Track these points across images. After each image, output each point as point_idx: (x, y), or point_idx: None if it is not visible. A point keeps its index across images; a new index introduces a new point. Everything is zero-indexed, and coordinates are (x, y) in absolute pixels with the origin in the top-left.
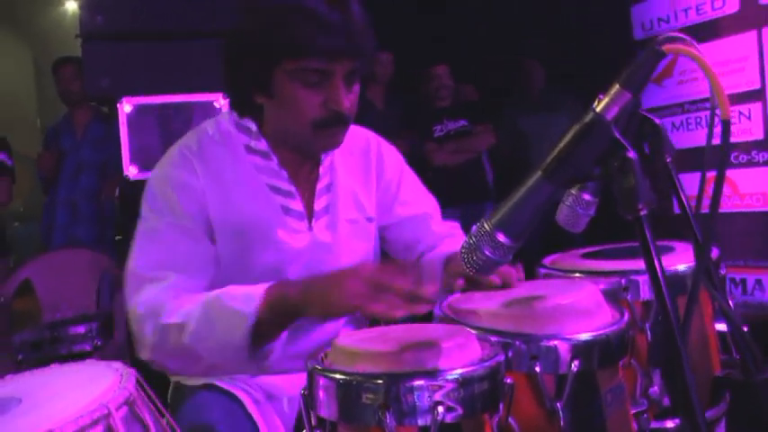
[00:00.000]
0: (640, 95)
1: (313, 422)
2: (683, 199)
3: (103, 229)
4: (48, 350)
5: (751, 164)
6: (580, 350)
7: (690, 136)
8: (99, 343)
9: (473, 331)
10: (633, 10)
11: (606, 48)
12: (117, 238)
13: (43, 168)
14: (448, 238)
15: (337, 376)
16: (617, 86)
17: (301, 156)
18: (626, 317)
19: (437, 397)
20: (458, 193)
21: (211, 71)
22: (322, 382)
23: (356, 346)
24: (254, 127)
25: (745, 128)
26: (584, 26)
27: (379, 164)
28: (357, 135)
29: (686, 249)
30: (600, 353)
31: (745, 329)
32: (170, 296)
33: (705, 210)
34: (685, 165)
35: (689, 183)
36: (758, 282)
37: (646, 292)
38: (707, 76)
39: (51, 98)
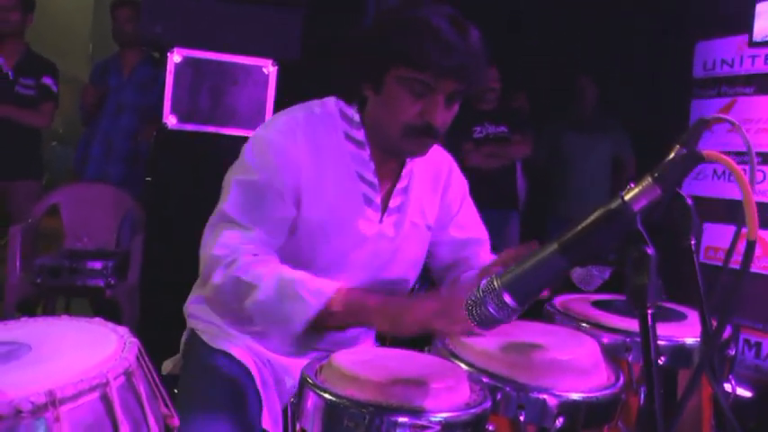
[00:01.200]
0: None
1: (297, 428)
2: (700, 285)
3: (135, 169)
4: (64, 279)
5: None
6: (567, 408)
7: (729, 187)
8: (112, 281)
9: (465, 368)
10: (697, 47)
11: (663, 81)
12: (147, 179)
13: (86, 102)
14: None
15: (326, 396)
16: (649, 179)
17: (389, 154)
18: (621, 381)
19: None
20: (484, 198)
21: (266, 37)
22: (311, 397)
23: (350, 369)
24: (356, 117)
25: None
26: (646, 55)
27: (446, 183)
28: (437, 153)
29: (697, 320)
30: (587, 414)
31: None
32: (248, 249)
33: (734, 265)
34: (719, 215)
35: (718, 234)
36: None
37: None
38: (741, 190)
39: (106, 31)
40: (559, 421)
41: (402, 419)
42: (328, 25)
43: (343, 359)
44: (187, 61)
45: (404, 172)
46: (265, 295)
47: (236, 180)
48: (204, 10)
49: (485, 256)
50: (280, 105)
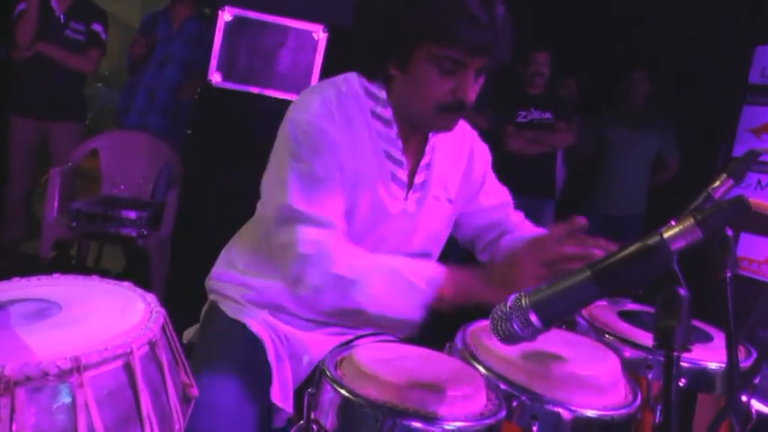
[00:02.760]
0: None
1: (311, 417)
2: (730, 321)
3: (176, 123)
4: (99, 225)
5: None
6: (581, 424)
7: None
8: (145, 232)
9: (484, 371)
10: (756, 51)
11: (717, 83)
12: (188, 132)
13: (134, 53)
14: (521, 224)
15: (343, 392)
16: (692, 220)
17: (415, 131)
18: (638, 401)
19: None
20: (522, 183)
21: (318, 1)
22: (328, 391)
23: (370, 367)
24: (383, 95)
25: None
26: (702, 56)
27: (470, 156)
28: (458, 126)
29: (722, 343)
30: (600, 431)
31: None
32: (335, 244)
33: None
34: (757, 226)
35: (754, 245)
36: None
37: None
38: None
39: None
40: None
41: (416, 424)
42: None
43: (364, 355)
44: (237, 20)
45: (427, 148)
46: (374, 287)
47: (293, 171)
48: None
49: (514, 216)
50: (327, 72)
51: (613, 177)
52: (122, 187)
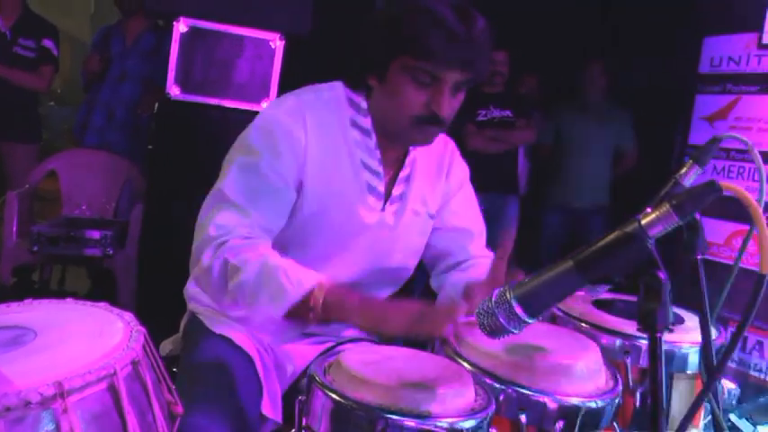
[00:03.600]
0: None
1: (303, 424)
2: (705, 303)
3: (136, 139)
4: (61, 247)
5: None
6: (567, 412)
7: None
8: (110, 251)
9: (469, 368)
10: (705, 42)
11: (669, 74)
12: (148, 147)
13: (89, 70)
14: (480, 260)
15: (334, 396)
16: (667, 207)
17: (394, 142)
18: (619, 386)
19: None
20: (485, 181)
21: (274, 10)
22: (319, 397)
23: (359, 370)
24: (364, 105)
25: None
26: (654, 47)
27: (448, 170)
28: (440, 139)
29: (695, 325)
30: (585, 418)
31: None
32: (241, 232)
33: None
34: (715, 211)
35: (714, 229)
36: (759, 343)
37: (645, 360)
38: (757, 226)
39: None
40: (559, 425)
41: (409, 423)
42: (338, 1)
43: (352, 359)
44: (193, 31)
45: (407, 160)
46: (246, 278)
47: (239, 160)
48: None
49: (476, 249)
50: (285, 81)
51: (575, 170)
52: (84, 207)
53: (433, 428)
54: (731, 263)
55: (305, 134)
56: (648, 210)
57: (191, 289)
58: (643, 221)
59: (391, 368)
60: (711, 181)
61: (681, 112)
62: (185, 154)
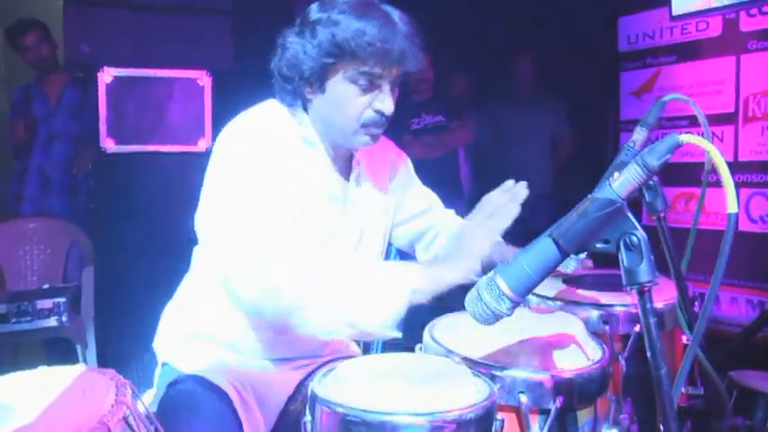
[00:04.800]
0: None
1: None
2: (671, 254)
3: (76, 199)
4: (13, 323)
5: (717, 184)
6: (564, 387)
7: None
8: (65, 319)
9: (463, 362)
10: (620, 22)
11: (593, 57)
12: (90, 205)
13: (16, 138)
14: (454, 221)
15: (342, 410)
16: (634, 165)
17: (340, 148)
18: (607, 354)
19: None
20: (429, 188)
21: (196, 48)
22: (326, 413)
23: (360, 380)
24: (305, 119)
25: (717, 149)
26: (575, 34)
27: (393, 165)
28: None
29: (666, 284)
30: (582, 389)
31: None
32: (289, 250)
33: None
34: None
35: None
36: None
37: (624, 326)
38: (720, 170)
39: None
40: (559, 400)
41: (419, 422)
42: (258, 30)
43: (349, 370)
44: (118, 80)
45: (353, 163)
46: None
47: (235, 206)
48: (130, 24)
49: (445, 215)
50: (218, 116)
51: (515, 162)
52: (30, 279)
53: (442, 424)
54: (677, 225)
55: (272, 156)
56: (616, 174)
57: (161, 340)
58: (614, 184)
59: (390, 373)
60: (671, 134)
61: (609, 91)
62: (129, 207)
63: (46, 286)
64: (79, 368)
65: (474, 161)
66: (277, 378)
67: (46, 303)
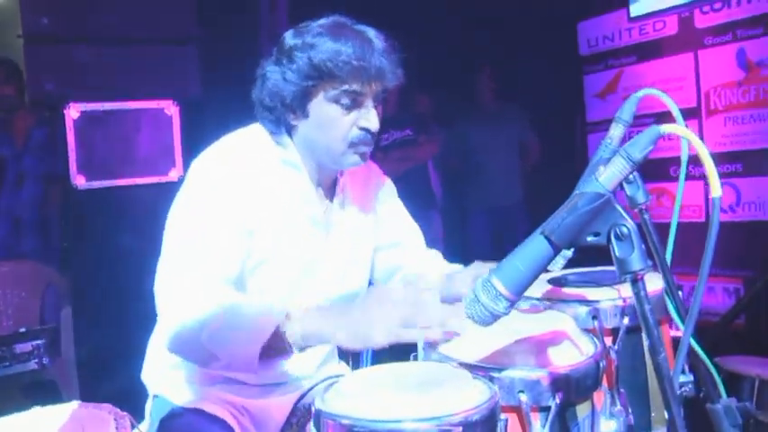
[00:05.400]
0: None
1: None
2: (656, 245)
3: (49, 239)
4: None
5: (687, 177)
6: (560, 382)
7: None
8: (46, 361)
9: (463, 370)
10: (579, 27)
11: (554, 64)
12: (63, 245)
13: None
14: (430, 261)
15: (349, 422)
16: (619, 158)
17: (324, 171)
18: (600, 347)
19: None
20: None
21: (162, 77)
22: (332, 426)
23: (364, 391)
24: (289, 143)
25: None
26: (532, 41)
27: (377, 188)
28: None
29: (650, 276)
30: (579, 384)
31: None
32: (203, 289)
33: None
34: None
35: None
36: (693, 288)
37: (612, 320)
38: (701, 155)
39: None
40: (559, 396)
41: (426, 427)
42: (224, 56)
43: (352, 383)
44: (85, 115)
45: (338, 188)
46: (217, 326)
47: (185, 221)
48: (93, 59)
49: (420, 253)
50: (187, 145)
51: (485, 174)
52: (6, 323)
53: (449, 427)
54: (653, 221)
55: (247, 184)
56: (602, 168)
57: (150, 371)
58: (600, 178)
59: (390, 382)
60: (652, 125)
61: (574, 95)
62: (103, 243)
63: (22, 330)
64: (74, 405)
65: (443, 173)
66: (272, 403)
67: (25, 347)
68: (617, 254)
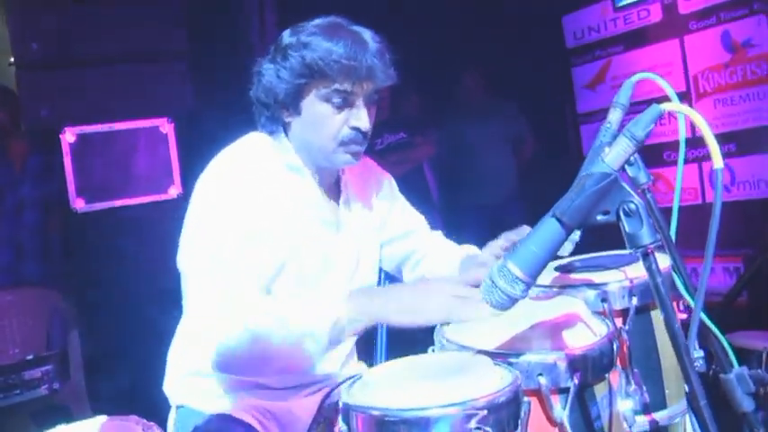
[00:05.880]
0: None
1: None
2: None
3: (52, 264)
4: (2, 398)
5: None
6: (578, 364)
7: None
8: (57, 386)
9: (484, 356)
10: (564, 20)
11: (543, 58)
12: (67, 269)
13: None
14: (439, 244)
15: (378, 413)
16: (624, 139)
17: (324, 170)
18: (612, 328)
19: (472, 424)
20: None
21: (155, 95)
22: (362, 418)
23: (389, 382)
24: (288, 145)
25: (674, 128)
26: (518, 37)
27: (378, 184)
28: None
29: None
30: (595, 364)
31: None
32: (242, 298)
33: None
34: None
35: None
36: (694, 270)
37: (621, 301)
38: (701, 129)
39: None
40: (577, 377)
41: (452, 411)
42: (215, 69)
43: (377, 376)
44: (81, 139)
45: (341, 185)
46: (274, 335)
47: (208, 236)
48: (86, 82)
49: (430, 238)
50: (185, 160)
51: (480, 171)
52: (13, 351)
53: (475, 411)
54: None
55: (258, 196)
56: (606, 149)
57: (173, 382)
58: (606, 159)
59: (414, 373)
60: (653, 104)
61: (564, 87)
62: (107, 264)
63: (30, 357)
64: (101, 419)
65: (439, 173)
66: (296, 405)
67: (34, 373)
68: (627, 229)
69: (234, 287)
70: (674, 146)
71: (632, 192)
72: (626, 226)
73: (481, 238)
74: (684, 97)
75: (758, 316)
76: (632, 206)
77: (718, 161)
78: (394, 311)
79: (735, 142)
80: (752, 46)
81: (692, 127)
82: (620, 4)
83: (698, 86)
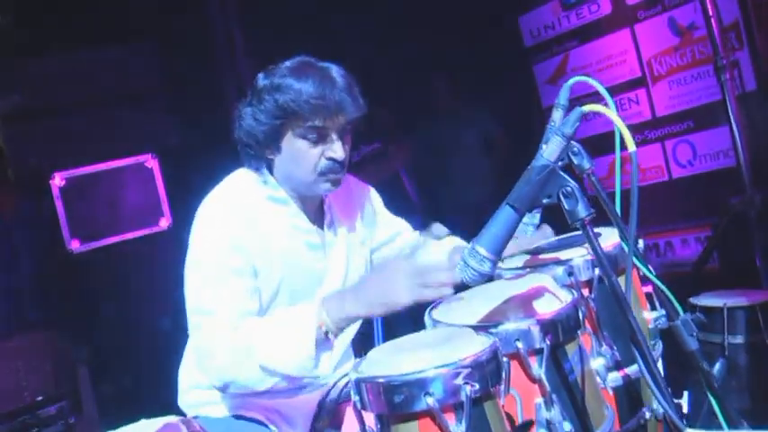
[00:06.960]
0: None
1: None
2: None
3: (52, 307)
4: None
5: (645, 142)
6: (548, 327)
7: (583, 127)
8: (73, 420)
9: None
10: (521, 20)
11: (500, 57)
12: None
13: None
14: (428, 240)
15: (384, 381)
16: (556, 137)
17: (308, 198)
18: (577, 295)
19: (464, 379)
20: None
21: (136, 133)
22: (370, 388)
23: (389, 355)
24: (272, 180)
25: (636, 111)
26: (479, 40)
27: (360, 200)
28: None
29: (611, 233)
30: (564, 326)
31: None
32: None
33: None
34: None
35: None
36: (668, 243)
37: (585, 273)
38: (614, 121)
39: None
40: (549, 338)
41: (445, 372)
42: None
43: (378, 353)
44: (71, 182)
45: (325, 208)
46: (261, 348)
47: (200, 275)
48: (70, 126)
49: (410, 238)
50: (172, 193)
51: (455, 172)
52: (24, 394)
53: (461, 369)
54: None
55: (246, 232)
56: (544, 146)
57: (185, 397)
58: (544, 153)
59: (410, 346)
60: (576, 108)
61: (527, 85)
62: (107, 300)
63: (40, 398)
64: (140, 423)
65: (417, 177)
66: (298, 401)
67: (50, 410)
68: (566, 207)
69: (221, 314)
70: (637, 128)
71: (568, 178)
72: (565, 204)
73: (464, 236)
74: (641, 82)
75: (729, 279)
76: (569, 189)
77: (631, 145)
78: (366, 306)
79: (692, 119)
80: (696, 28)
81: (652, 109)
82: (569, 2)
83: (652, 70)
